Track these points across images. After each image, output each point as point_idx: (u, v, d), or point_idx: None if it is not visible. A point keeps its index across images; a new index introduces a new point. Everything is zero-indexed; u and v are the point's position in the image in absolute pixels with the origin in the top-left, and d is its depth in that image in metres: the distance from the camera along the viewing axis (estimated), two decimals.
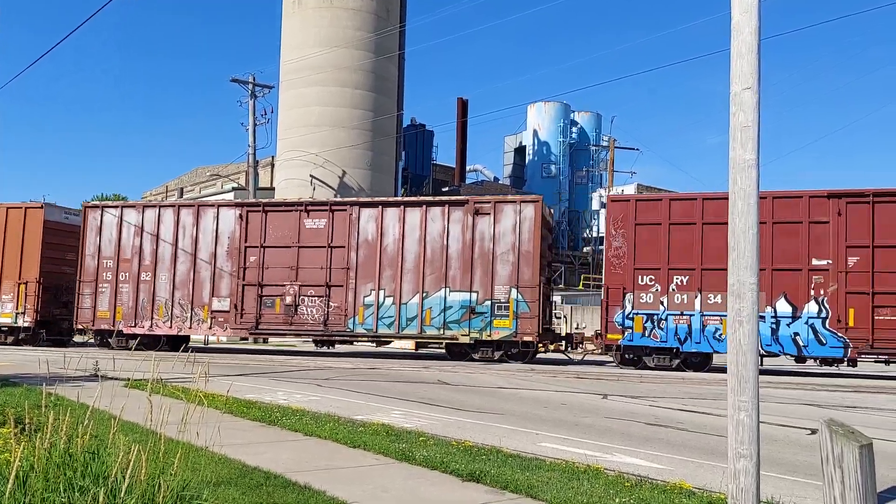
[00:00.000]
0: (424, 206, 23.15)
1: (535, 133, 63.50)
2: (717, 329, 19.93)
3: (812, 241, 19.40)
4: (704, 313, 20.15)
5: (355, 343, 25.94)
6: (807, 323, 19.33)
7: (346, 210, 23.62)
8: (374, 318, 22.98)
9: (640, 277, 20.72)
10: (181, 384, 8.02)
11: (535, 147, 63.50)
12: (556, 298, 25.87)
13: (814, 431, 9.48)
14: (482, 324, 22.09)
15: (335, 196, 36.88)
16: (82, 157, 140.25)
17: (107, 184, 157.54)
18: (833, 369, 21.87)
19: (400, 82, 42.59)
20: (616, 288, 20.90)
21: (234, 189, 43.63)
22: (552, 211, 27.30)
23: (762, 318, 19.31)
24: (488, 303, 22.04)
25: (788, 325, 19.46)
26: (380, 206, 23.52)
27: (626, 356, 21.05)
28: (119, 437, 4.75)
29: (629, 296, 20.74)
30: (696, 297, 20.25)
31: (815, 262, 19.36)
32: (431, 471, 6.70)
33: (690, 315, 20.25)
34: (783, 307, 19.56)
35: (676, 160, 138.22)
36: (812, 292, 19.33)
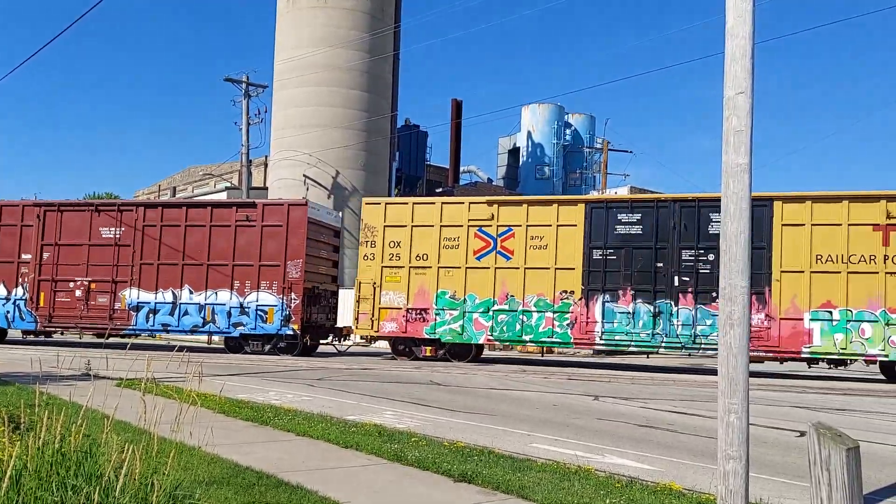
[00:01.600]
0: None
1: (529, 135, 63.49)
2: None
3: (24, 239, 25.28)
4: None
5: None
6: (15, 304, 25.25)
7: None
8: None
9: None
10: (174, 384, 8.04)
11: (529, 149, 63.47)
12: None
13: (802, 433, 9.54)
14: None
15: (328, 197, 36.85)
16: (75, 156, 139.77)
17: (100, 182, 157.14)
18: (827, 372, 22.00)
19: (394, 83, 42.44)
20: None
21: (227, 188, 43.46)
22: None
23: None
24: None
25: (3, 304, 25.33)
26: None
27: None
28: (112, 437, 4.74)
29: None
30: None
31: (24, 256, 25.24)
32: (423, 471, 6.71)
33: None
34: (0, 291, 25.39)
35: (670, 163, 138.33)
36: (21, 279, 25.23)
